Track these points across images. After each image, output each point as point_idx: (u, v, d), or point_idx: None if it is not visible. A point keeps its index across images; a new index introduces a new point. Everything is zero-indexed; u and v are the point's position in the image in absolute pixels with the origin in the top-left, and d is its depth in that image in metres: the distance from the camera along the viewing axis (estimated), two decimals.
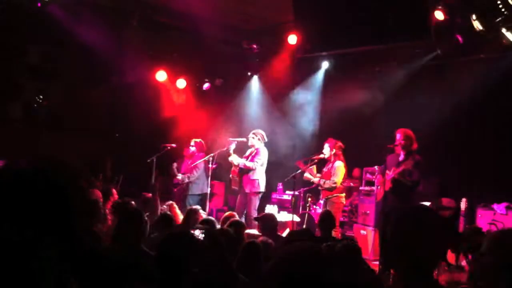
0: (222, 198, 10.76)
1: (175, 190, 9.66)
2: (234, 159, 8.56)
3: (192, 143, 9.36)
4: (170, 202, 7.32)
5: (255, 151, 8.62)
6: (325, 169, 8.25)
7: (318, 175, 8.33)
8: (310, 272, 1.68)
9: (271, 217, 6.32)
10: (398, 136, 7.15)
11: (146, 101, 10.83)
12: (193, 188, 9.12)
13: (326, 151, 8.18)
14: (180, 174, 9.22)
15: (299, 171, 8.36)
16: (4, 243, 1.34)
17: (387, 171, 7.19)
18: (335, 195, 8.10)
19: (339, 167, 8.10)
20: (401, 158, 7.14)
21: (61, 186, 1.46)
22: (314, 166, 8.36)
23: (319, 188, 8.33)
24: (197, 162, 9.08)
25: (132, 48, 9.76)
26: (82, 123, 10.66)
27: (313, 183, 8.43)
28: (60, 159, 1.51)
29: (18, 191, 1.40)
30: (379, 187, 7.38)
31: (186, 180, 9.12)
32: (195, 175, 9.12)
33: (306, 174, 8.33)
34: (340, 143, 8.20)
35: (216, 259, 3.54)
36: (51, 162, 1.49)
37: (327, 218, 6.20)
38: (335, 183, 8.03)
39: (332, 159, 8.20)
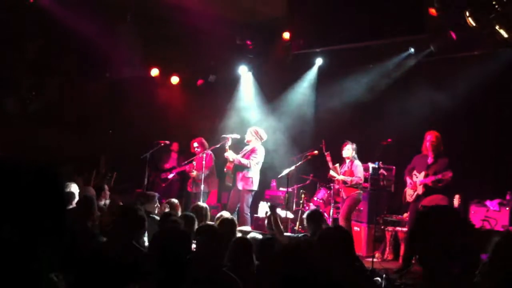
0: (215, 195, 10.73)
1: (164, 185, 9.64)
2: (230, 155, 8.49)
3: (196, 144, 9.30)
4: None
5: (252, 148, 8.56)
6: (345, 169, 8.27)
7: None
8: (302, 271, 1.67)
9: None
10: (428, 137, 7.30)
11: (140, 97, 10.79)
12: (204, 186, 9.01)
13: (348, 152, 8.24)
14: (195, 171, 9.15)
15: (293, 167, 8.36)
16: (4, 243, 1.33)
17: (415, 172, 7.27)
18: (357, 191, 8.13)
19: (360, 165, 8.23)
20: (429, 160, 7.28)
21: (53, 182, 1.44)
22: (338, 164, 8.42)
23: (337, 185, 8.37)
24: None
25: (127, 44, 9.72)
26: (76, 119, 10.61)
27: (334, 180, 8.47)
28: (46, 154, 1.50)
29: (10, 187, 1.38)
30: (412, 190, 7.43)
31: (201, 178, 9.04)
32: (207, 173, 9.07)
33: (331, 172, 8.37)
34: (355, 145, 8.29)
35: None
36: (37, 158, 1.47)
37: (315, 216, 6.05)
38: (361, 179, 8.15)
39: (350, 159, 8.24)
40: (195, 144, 9.31)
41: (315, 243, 3.26)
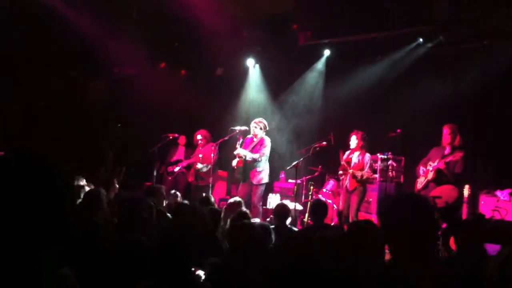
0: (225, 187, 10.75)
1: (170, 178, 9.67)
2: (241, 152, 8.38)
3: (199, 136, 9.32)
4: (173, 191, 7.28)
5: (259, 141, 8.48)
6: (355, 161, 8.11)
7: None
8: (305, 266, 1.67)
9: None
10: (445, 131, 7.33)
11: (147, 92, 10.79)
12: (208, 178, 9.01)
13: (354, 142, 8.06)
14: (199, 164, 9.18)
15: (301, 159, 8.33)
16: (4, 243, 1.33)
17: (431, 163, 7.30)
18: (363, 185, 8.03)
19: (370, 159, 8.08)
20: (446, 151, 7.31)
21: (46, 178, 1.44)
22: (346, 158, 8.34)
23: (342, 177, 8.25)
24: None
25: (132, 40, 9.72)
26: (83, 115, 10.65)
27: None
28: (39, 152, 1.50)
29: (11, 187, 1.38)
30: (423, 177, 7.43)
31: (204, 170, 9.06)
32: (211, 166, 9.05)
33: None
34: (364, 134, 8.09)
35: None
36: (30, 155, 1.47)
37: (319, 206, 6.07)
38: (371, 174, 8.02)
39: (360, 150, 8.07)
40: (199, 136, 9.35)
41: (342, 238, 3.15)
